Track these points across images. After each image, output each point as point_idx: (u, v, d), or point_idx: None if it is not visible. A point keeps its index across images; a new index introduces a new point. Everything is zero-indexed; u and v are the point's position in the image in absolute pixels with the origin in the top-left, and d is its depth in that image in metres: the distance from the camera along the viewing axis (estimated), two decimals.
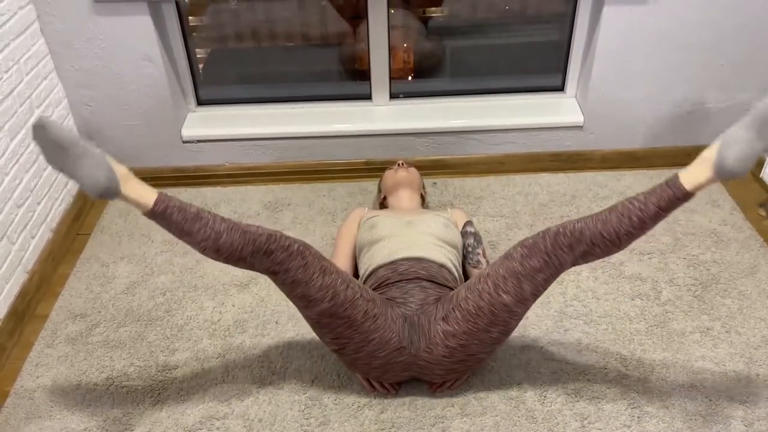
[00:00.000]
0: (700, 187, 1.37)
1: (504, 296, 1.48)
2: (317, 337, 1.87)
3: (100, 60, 2.23)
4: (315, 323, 1.55)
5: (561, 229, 1.45)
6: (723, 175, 1.34)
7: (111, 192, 1.37)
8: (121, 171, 1.41)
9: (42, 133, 1.35)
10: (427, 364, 1.58)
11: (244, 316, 1.96)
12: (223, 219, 1.45)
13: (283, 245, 1.46)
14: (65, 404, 1.73)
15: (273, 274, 1.48)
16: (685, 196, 1.38)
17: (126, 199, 1.41)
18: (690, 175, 1.38)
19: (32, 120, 1.32)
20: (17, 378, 1.81)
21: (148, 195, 1.41)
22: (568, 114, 2.46)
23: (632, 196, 1.44)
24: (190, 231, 1.42)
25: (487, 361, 1.78)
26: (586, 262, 1.48)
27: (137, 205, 1.41)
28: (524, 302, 1.50)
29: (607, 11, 2.18)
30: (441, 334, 1.54)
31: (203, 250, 1.44)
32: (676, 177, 1.39)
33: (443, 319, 1.54)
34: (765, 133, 1.31)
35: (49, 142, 1.35)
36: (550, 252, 1.45)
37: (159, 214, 1.41)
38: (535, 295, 1.50)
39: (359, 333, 1.53)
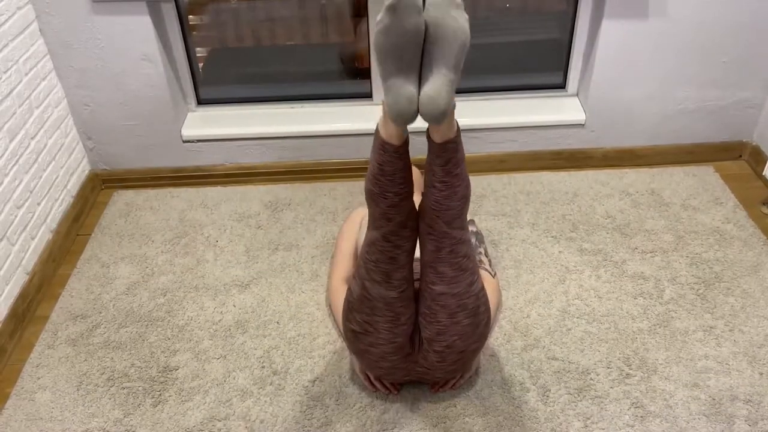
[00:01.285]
0: (433, 133, 1.32)
1: (434, 287, 1.48)
2: (319, 338, 1.86)
3: (99, 60, 2.22)
4: (364, 300, 1.49)
5: (419, 209, 1.46)
6: (424, 116, 1.22)
7: (415, 113, 1.23)
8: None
9: (413, 12, 1.17)
10: (427, 370, 1.59)
11: (245, 316, 1.95)
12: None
13: (414, 226, 1.45)
14: (66, 405, 1.72)
15: (386, 242, 1.43)
16: (437, 146, 1.33)
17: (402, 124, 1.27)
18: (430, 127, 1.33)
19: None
20: (18, 379, 1.80)
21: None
22: (570, 112, 2.45)
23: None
24: (406, 180, 1.37)
25: (484, 346, 1.77)
26: (452, 225, 1.43)
27: (397, 134, 1.31)
28: (456, 282, 1.46)
29: (609, 7, 2.17)
30: (426, 342, 1.54)
31: (386, 199, 1.39)
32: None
33: (421, 327, 1.54)
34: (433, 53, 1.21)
35: (410, 30, 1.18)
36: (430, 231, 1.44)
37: (404, 149, 1.34)
38: (460, 268, 1.46)
39: (390, 333, 1.51)
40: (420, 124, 2.43)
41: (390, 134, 1.32)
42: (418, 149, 2.49)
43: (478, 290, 1.51)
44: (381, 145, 1.34)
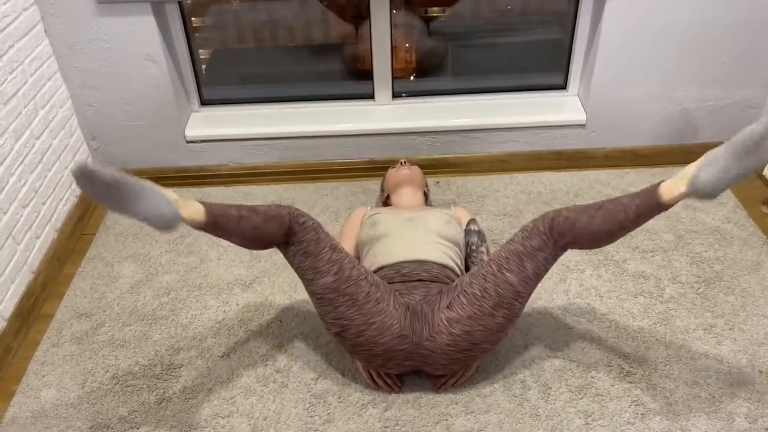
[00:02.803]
0: (674, 201, 1.41)
1: (508, 275, 1.53)
2: (321, 336, 1.88)
3: (103, 60, 2.24)
4: (319, 299, 1.59)
5: (555, 215, 1.54)
6: (694, 194, 1.37)
7: (176, 220, 1.40)
8: (170, 196, 1.42)
9: (88, 178, 1.32)
10: (430, 353, 1.58)
11: (249, 315, 1.96)
12: (254, 210, 1.54)
13: (299, 222, 1.58)
14: (71, 403, 1.74)
15: (286, 245, 1.59)
16: (661, 206, 1.43)
17: (185, 221, 1.44)
18: (669, 187, 1.42)
19: (71, 166, 1.28)
20: (23, 377, 1.82)
21: (198, 209, 1.47)
22: (571, 112, 2.46)
23: (619, 197, 1.50)
24: (238, 233, 1.52)
25: (491, 352, 1.78)
26: (577, 248, 1.56)
27: (192, 223, 1.46)
28: (527, 282, 1.54)
29: (609, 8, 2.18)
30: (445, 322, 1.55)
31: (248, 246, 1.57)
32: (657, 186, 1.43)
33: (447, 306, 1.56)
34: (744, 161, 1.32)
35: (98, 185, 1.33)
36: (547, 233, 1.53)
37: (211, 225, 1.48)
38: (538, 274, 1.55)
39: (361, 314, 1.55)
40: (415, 125, 2.44)
41: (192, 221, 1.47)
42: (421, 149, 2.51)
43: (524, 300, 1.58)
44: (204, 230, 1.51)
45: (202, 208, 1.47)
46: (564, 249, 1.56)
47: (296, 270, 1.62)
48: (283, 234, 1.57)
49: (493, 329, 1.56)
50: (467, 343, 1.56)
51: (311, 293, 1.61)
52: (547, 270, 1.57)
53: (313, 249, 1.57)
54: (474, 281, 1.57)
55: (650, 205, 1.44)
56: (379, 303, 1.56)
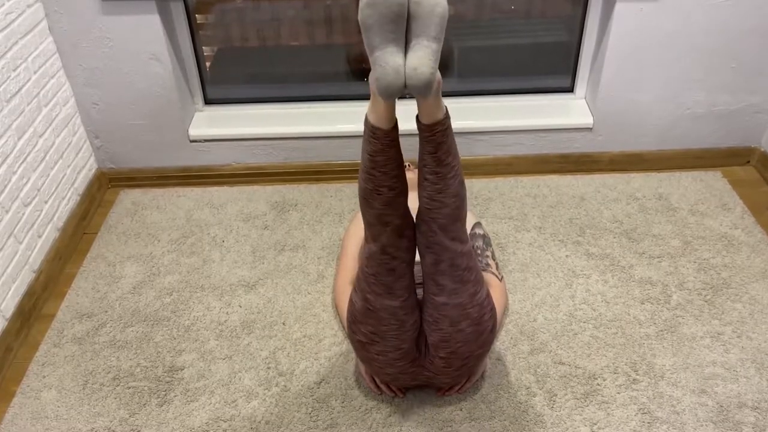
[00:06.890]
0: (421, 113, 1.30)
1: (436, 297, 1.47)
2: (325, 339, 1.86)
3: (107, 59, 2.22)
4: (368, 312, 1.49)
5: (416, 219, 1.45)
6: (411, 88, 1.21)
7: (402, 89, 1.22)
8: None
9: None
10: (433, 374, 1.58)
11: (251, 317, 1.95)
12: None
13: (411, 236, 1.45)
14: (71, 404, 1.72)
15: (384, 254, 1.43)
16: (426, 129, 1.32)
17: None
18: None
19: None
20: (24, 378, 1.80)
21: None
22: (577, 116, 2.44)
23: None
24: (399, 173, 1.37)
25: (490, 352, 1.77)
26: (450, 236, 1.42)
27: (386, 115, 1.30)
28: (457, 293, 1.46)
29: (619, 10, 2.16)
30: (431, 347, 1.53)
31: (380, 195, 1.38)
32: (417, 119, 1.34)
33: (426, 333, 1.54)
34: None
35: (395, 2, 1.16)
36: (428, 244, 1.43)
37: (394, 136, 1.32)
38: (463, 281, 1.45)
39: (397, 339, 1.51)
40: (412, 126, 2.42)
41: (379, 116, 1.30)
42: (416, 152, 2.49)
43: (483, 299, 1.50)
44: (371, 132, 1.33)
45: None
46: (451, 240, 1.43)
47: (363, 275, 1.48)
48: (395, 231, 1.42)
49: (471, 339, 1.50)
50: (459, 359, 1.53)
51: (361, 299, 1.50)
52: (470, 267, 1.46)
53: (402, 270, 1.45)
54: (423, 306, 1.51)
55: (421, 138, 1.34)
56: (415, 331, 1.52)
